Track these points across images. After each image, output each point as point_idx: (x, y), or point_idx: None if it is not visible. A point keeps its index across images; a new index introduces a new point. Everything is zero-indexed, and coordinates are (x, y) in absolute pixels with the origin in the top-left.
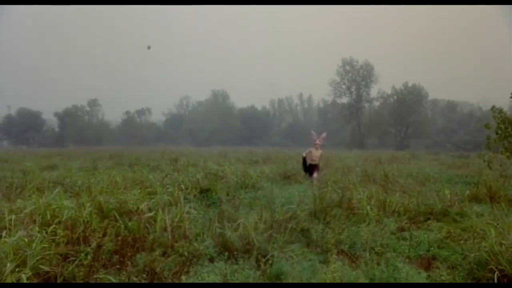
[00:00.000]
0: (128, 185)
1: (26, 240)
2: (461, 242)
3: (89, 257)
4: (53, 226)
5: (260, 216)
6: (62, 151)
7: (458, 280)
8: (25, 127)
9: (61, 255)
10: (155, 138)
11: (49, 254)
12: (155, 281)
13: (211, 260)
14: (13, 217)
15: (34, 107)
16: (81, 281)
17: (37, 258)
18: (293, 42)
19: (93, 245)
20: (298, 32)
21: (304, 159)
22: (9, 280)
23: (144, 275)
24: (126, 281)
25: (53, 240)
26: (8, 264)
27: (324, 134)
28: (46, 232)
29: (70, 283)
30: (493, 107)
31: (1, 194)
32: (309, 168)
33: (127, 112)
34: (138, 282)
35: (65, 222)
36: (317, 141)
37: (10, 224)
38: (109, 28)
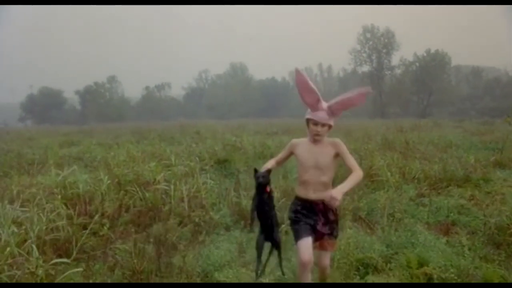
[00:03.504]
0: (146, 158)
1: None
2: (483, 206)
3: (105, 227)
4: (71, 198)
5: (276, 184)
6: (84, 128)
7: (478, 245)
8: (47, 106)
9: (80, 227)
10: (175, 112)
11: (63, 224)
12: (171, 250)
13: (227, 229)
14: (33, 190)
15: (55, 85)
16: (98, 251)
17: (50, 227)
18: (311, 12)
19: (109, 215)
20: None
21: (261, 187)
22: (21, 248)
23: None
24: (141, 250)
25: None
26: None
27: (353, 93)
28: (66, 205)
29: (69, 283)
30: None
31: (23, 170)
32: (299, 221)
33: (147, 88)
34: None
35: (83, 194)
36: (321, 108)
37: (31, 197)
38: (127, 5)
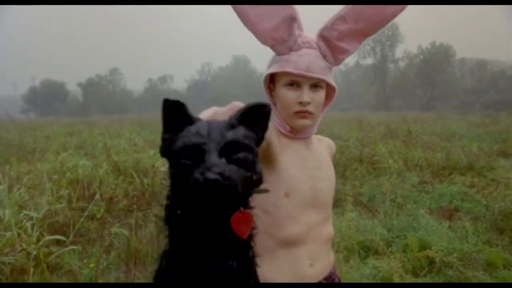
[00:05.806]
0: (146, 146)
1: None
2: (486, 192)
3: (101, 210)
4: (68, 183)
5: None
6: (86, 120)
7: (481, 230)
8: (49, 98)
9: (78, 210)
10: None
11: (62, 207)
12: None
13: None
14: (31, 176)
15: (58, 78)
16: (95, 234)
17: (46, 209)
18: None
19: (107, 199)
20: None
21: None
22: (15, 231)
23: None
24: (137, 231)
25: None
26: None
27: None
28: (60, 188)
29: (68, 283)
30: None
31: (23, 158)
32: None
33: (150, 80)
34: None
35: (81, 180)
36: (304, 42)
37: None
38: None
